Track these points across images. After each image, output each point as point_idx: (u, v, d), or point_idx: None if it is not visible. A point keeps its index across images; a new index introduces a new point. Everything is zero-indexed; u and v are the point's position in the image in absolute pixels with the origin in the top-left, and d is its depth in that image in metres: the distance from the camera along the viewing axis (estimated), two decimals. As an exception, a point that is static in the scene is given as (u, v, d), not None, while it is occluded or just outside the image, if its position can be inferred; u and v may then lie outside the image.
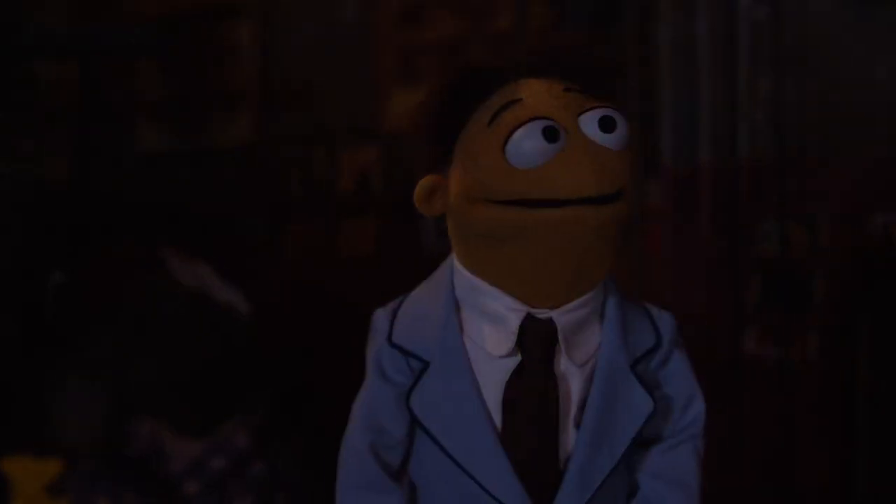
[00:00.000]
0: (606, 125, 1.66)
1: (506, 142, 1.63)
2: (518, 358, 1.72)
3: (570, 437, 1.74)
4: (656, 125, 3.86)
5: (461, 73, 1.74)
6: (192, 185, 4.55)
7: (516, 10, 4.24)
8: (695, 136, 3.81)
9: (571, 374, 1.74)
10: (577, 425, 1.73)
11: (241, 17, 4.66)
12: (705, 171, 3.79)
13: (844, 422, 3.55)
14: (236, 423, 3.19)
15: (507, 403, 1.72)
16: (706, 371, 3.71)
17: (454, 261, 1.75)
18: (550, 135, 1.63)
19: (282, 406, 3.27)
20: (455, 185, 1.68)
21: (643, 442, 1.81)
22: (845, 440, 3.55)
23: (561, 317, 1.72)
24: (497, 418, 1.72)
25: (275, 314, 3.47)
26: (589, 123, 1.66)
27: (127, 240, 3.73)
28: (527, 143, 1.62)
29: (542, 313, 1.71)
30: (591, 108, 1.66)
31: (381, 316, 1.77)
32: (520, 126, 1.63)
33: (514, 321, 1.71)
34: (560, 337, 1.73)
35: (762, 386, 3.69)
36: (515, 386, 1.72)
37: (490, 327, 1.71)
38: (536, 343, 1.72)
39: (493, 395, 1.72)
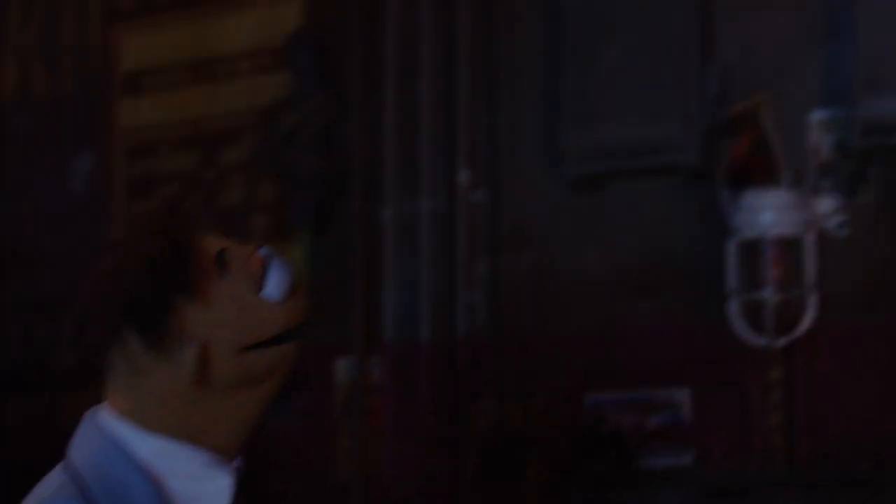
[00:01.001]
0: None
1: (261, 282, 1.65)
2: None
3: None
4: (379, 302, 3.92)
5: (161, 246, 1.69)
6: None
7: (248, 186, 4.29)
8: (415, 313, 3.88)
9: None
10: None
11: (-32, 185, 4.61)
12: (425, 347, 3.86)
13: None
14: None
15: None
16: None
17: (116, 429, 1.67)
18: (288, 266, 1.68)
19: None
20: (217, 345, 1.64)
21: None
22: None
23: (240, 469, 1.69)
24: None
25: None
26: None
27: None
28: (282, 276, 1.64)
29: (233, 465, 1.67)
30: (258, 245, 1.70)
31: None
32: (267, 264, 1.65)
33: (224, 476, 1.67)
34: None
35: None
36: None
37: (201, 488, 1.67)
38: (240, 495, 1.69)
39: None
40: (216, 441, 1.69)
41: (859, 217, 3.53)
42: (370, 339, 3.90)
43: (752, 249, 3.55)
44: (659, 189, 3.72)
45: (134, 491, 1.67)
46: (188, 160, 4.41)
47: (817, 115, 3.56)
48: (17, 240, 4.51)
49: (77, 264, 4.33)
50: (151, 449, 1.68)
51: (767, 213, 3.50)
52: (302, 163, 4.09)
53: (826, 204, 3.53)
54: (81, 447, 1.69)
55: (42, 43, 4.66)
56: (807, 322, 3.51)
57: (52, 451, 1.72)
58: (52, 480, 1.67)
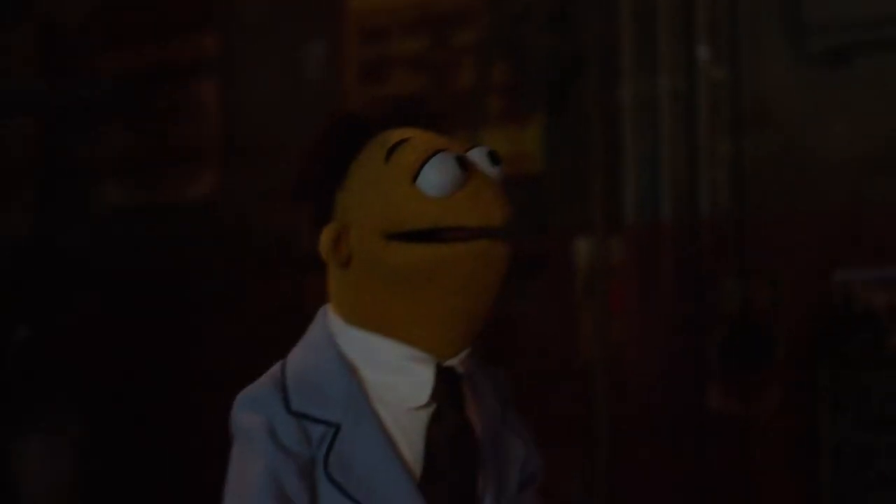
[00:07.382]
0: (495, 159, 1.71)
1: (417, 172, 1.65)
2: (433, 407, 1.70)
3: (479, 484, 1.74)
4: (619, 182, 3.89)
5: (335, 125, 1.72)
6: (155, 241, 4.56)
7: (477, 68, 4.28)
8: (656, 193, 3.84)
9: (474, 423, 1.75)
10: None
11: (205, 75, 4.68)
12: (667, 228, 3.83)
13: (807, 476, 3.58)
14: None
15: (432, 452, 1.71)
16: (669, 427, 3.75)
17: (331, 321, 1.72)
18: (462, 164, 1.67)
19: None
20: (360, 229, 1.67)
21: None
22: (809, 495, 3.58)
23: (460, 365, 1.72)
24: (416, 470, 1.70)
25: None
26: (479, 158, 1.70)
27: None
28: (440, 171, 1.64)
29: (445, 362, 1.70)
30: (474, 146, 1.71)
31: (262, 391, 1.70)
32: (431, 156, 1.66)
33: (426, 371, 1.70)
34: (464, 385, 1.73)
35: (725, 441, 3.72)
36: (437, 434, 1.71)
37: (398, 380, 1.70)
38: (448, 391, 1.72)
39: (409, 448, 1.70)
40: (416, 337, 1.71)
41: None
42: (610, 221, 3.87)
43: None
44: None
45: (329, 383, 1.71)
46: (419, 43, 4.41)
47: None
48: (252, 127, 4.58)
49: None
50: (351, 341, 1.72)
51: None
52: (536, 42, 4.05)
53: None
54: (306, 335, 1.76)
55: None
56: None
57: (296, 335, 1.76)
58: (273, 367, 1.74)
